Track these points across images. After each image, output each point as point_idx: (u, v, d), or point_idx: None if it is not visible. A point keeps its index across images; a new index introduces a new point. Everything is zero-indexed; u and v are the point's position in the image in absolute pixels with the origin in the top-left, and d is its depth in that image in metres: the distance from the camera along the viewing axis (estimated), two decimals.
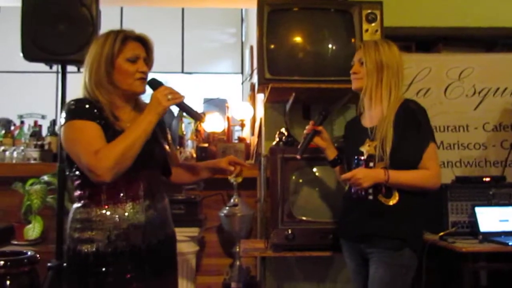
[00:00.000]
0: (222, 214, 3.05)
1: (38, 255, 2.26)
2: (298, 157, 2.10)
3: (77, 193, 1.69)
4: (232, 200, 3.07)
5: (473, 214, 2.49)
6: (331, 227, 2.29)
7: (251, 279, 3.13)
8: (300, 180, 2.46)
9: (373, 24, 2.50)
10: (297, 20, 2.59)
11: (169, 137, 1.93)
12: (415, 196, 1.95)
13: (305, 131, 2.15)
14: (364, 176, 1.89)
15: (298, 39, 2.57)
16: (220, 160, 1.99)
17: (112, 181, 1.58)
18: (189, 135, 3.64)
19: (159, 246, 1.72)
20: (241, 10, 7.06)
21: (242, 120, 3.69)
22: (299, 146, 2.15)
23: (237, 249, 3.07)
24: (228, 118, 3.84)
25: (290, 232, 2.34)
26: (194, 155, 3.40)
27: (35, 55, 2.43)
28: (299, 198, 2.44)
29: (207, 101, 4.43)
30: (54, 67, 2.62)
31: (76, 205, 1.69)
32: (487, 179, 2.64)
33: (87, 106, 1.64)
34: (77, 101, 1.67)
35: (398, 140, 1.91)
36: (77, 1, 2.41)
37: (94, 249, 1.62)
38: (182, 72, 7.55)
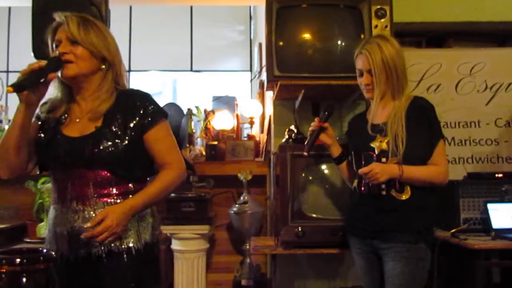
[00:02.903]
0: (232, 212, 3.05)
1: (53, 253, 2.28)
2: (305, 153, 2.12)
3: None
4: (242, 198, 3.07)
5: (486, 211, 2.47)
6: (341, 224, 2.29)
7: (261, 276, 3.13)
8: (310, 178, 2.45)
9: (382, 20, 2.48)
10: (305, 16, 2.58)
11: (151, 134, 1.57)
12: (426, 191, 1.97)
13: (310, 128, 2.16)
14: (381, 170, 1.90)
15: (307, 35, 2.56)
16: None
17: (9, 177, 1.53)
18: (198, 133, 3.64)
19: (94, 260, 1.48)
20: (250, 7, 7.05)
21: (251, 118, 3.68)
22: (305, 143, 2.16)
23: (247, 247, 3.07)
24: (237, 115, 3.84)
25: (300, 229, 2.34)
26: (204, 153, 3.41)
27: (46, 54, 2.44)
28: (309, 196, 2.43)
29: (216, 99, 4.42)
30: None
31: None
32: (500, 175, 2.63)
33: None
34: None
35: (410, 136, 1.92)
36: (87, 0, 2.42)
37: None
38: (191, 70, 7.56)
